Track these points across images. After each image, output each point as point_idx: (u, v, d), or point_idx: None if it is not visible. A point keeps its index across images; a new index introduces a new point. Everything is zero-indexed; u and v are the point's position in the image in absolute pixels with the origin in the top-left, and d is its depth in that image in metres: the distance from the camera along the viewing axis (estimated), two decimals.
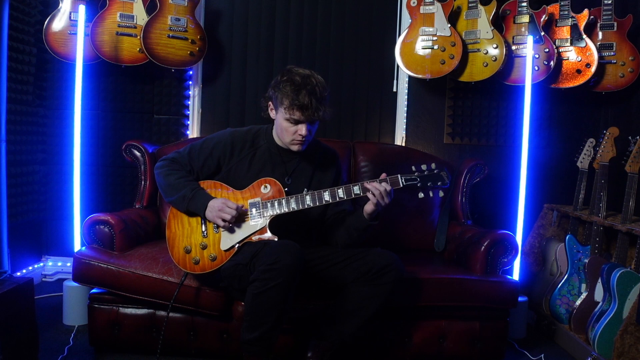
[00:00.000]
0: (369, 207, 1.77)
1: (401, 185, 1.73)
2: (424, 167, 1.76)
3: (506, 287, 2.04)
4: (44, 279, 2.85)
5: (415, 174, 1.74)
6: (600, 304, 2.16)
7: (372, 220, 1.80)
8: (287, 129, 1.79)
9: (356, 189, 1.75)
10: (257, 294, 1.61)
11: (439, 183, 1.74)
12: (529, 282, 2.64)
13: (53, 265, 2.87)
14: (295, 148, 1.82)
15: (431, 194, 1.75)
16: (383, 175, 1.75)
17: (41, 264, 2.87)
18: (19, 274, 2.64)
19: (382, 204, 1.73)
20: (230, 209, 1.75)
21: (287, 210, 1.78)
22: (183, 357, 1.98)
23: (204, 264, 1.80)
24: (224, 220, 1.76)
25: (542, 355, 2.20)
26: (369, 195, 1.73)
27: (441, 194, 1.77)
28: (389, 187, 1.72)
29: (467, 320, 2.04)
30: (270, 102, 1.86)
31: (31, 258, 2.80)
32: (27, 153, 2.69)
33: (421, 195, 1.75)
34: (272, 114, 1.86)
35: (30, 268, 2.78)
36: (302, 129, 1.77)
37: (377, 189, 1.71)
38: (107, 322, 1.96)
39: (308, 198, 1.76)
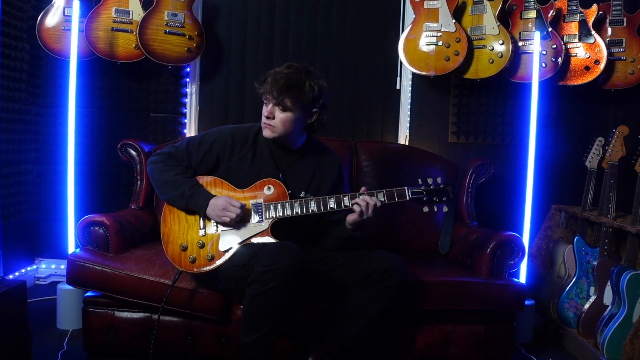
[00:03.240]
0: (351, 217, 1.77)
1: (407, 198, 1.76)
2: (430, 180, 1.78)
3: (512, 290, 2.03)
4: (37, 282, 2.83)
5: (422, 188, 1.77)
6: (609, 307, 2.14)
7: (354, 230, 1.80)
8: (263, 112, 1.81)
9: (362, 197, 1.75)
10: (255, 295, 1.60)
11: (444, 198, 1.77)
12: (536, 285, 2.62)
13: (46, 268, 2.85)
14: (264, 132, 1.82)
15: (436, 209, 1.78)
16: (363, 189, 1.76)
17: (34, 267, 2.85)
18: (11, 276, 2.62)
19: (364, 216, 1.73)
20: (235, 207, 1.73)
21: (290, 214, 1.76)
22: None
23: (200, 263, 1.77)
24: (229, 218, 1.73)
25: None
26: (355, 206, 1.73)
27: (445, 209, 1.80)
28: (379, 203, 1.73)
29: (472, 324, 2.03)
30: None
31: (24, 260, 2.78)
32: (20, 152, 2.67)
33: (426, 209, 1.77)
34: None
35: (23, 271, 2.76)
36: (265, 109, 1.79)
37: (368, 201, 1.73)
38: (102, 326, 1.94)
39: (313, 204, 1.75)
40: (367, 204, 1.71)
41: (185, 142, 1.90)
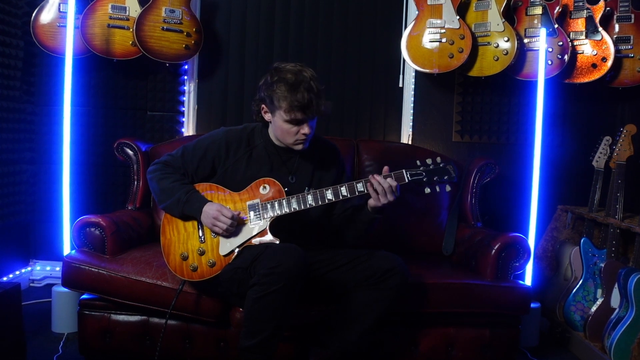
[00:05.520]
0: (371, 202, 1.75)
1: (406, 180, 1.72)
2: (429, 161, 1.75)
3: (518, 293, 2.02)
4: (31, 284, 2.82)
5: (421, 169, 1.73)
6: (616, 310, 2.13)
7: (376, 213, 1.78)
8: (288, 131, 1.75)
9: (360, 186, 1.73)
10: (257, 298, 1.59)
11: (445, 177, 1.73)
12: (542, 287, 2.61)
13: (41, 270, 2.84)
14: (298, 147, 1.79)
15: (438, 189, 1.74)
16: (385, 169, 1.72)
17: (29, 269, 2.84)
18: (5, 279, 2.61)
19: (385, 202, 1.70)
20: (225, 218, 1.71)
21: (288, 211, 1.74)
22: None
23: (202, 270, 1.75)
24: (220, 229, 1.72)
25: None
26: (371, 192, 1.70)
27: (448, 188, 1.76)
28: (394, 183, 1.70)
29: (477, 328, 2.02)
30: (263, 105, 1.80)
31: (18, 262, 2.77)
32: (14, 152, 2.65)
33: (428, 190, 1.73)
34: (267, 116, 1.81)
35: (18, 273, 2.75)
36: (305, 127, 1.74)
37: (380, 184, 1.68)
38: (98, 330, 1.92)
39: (310, 197, 1.73)
40: (382, 186, 1.67)
41: (180, 150, 1.89)
